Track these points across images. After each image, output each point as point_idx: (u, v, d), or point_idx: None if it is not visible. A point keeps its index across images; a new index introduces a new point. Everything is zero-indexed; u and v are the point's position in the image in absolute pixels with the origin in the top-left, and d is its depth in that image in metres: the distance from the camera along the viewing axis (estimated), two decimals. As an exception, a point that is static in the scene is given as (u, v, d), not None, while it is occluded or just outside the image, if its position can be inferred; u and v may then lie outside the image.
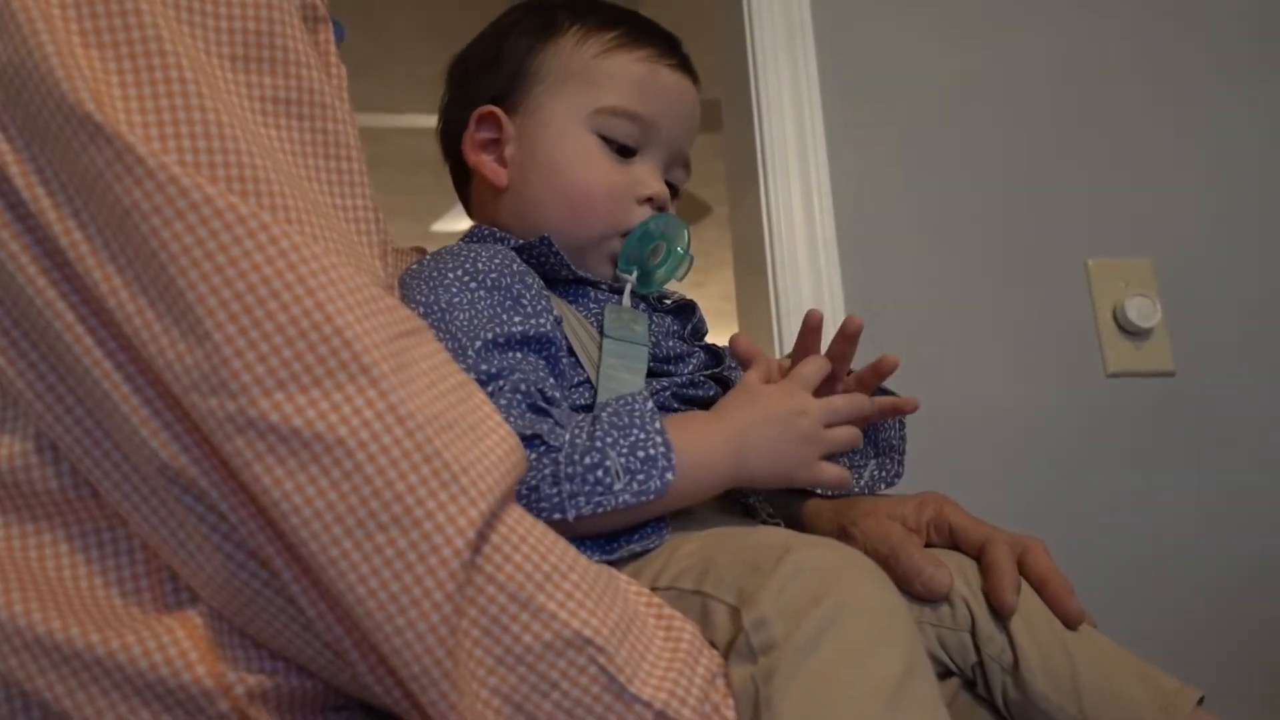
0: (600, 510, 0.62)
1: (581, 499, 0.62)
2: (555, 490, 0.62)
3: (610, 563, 0.65)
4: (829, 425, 0.71)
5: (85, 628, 0.48)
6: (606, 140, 0.80)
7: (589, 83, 0.80)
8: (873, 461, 0.82)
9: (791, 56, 1.43)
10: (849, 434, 0.73)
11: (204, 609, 0.49)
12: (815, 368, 0.73)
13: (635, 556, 0.66)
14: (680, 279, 0.82)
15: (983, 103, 1.45)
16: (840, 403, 0.72)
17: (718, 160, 1.60)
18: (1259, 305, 1.44)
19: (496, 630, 0.48)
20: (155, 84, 0.48)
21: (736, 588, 0.56)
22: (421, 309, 0.69)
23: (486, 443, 0.51)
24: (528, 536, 0.51)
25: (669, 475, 0.64)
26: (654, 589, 0.60)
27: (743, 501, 0.75)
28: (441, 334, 0.68)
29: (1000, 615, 0.69)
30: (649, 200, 0.80)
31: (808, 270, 1.35)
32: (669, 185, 0.84)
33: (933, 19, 1.47)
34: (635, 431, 0.65)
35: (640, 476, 0.63)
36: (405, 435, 0.47)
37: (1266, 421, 1.40)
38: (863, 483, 0.82)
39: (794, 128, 1.41)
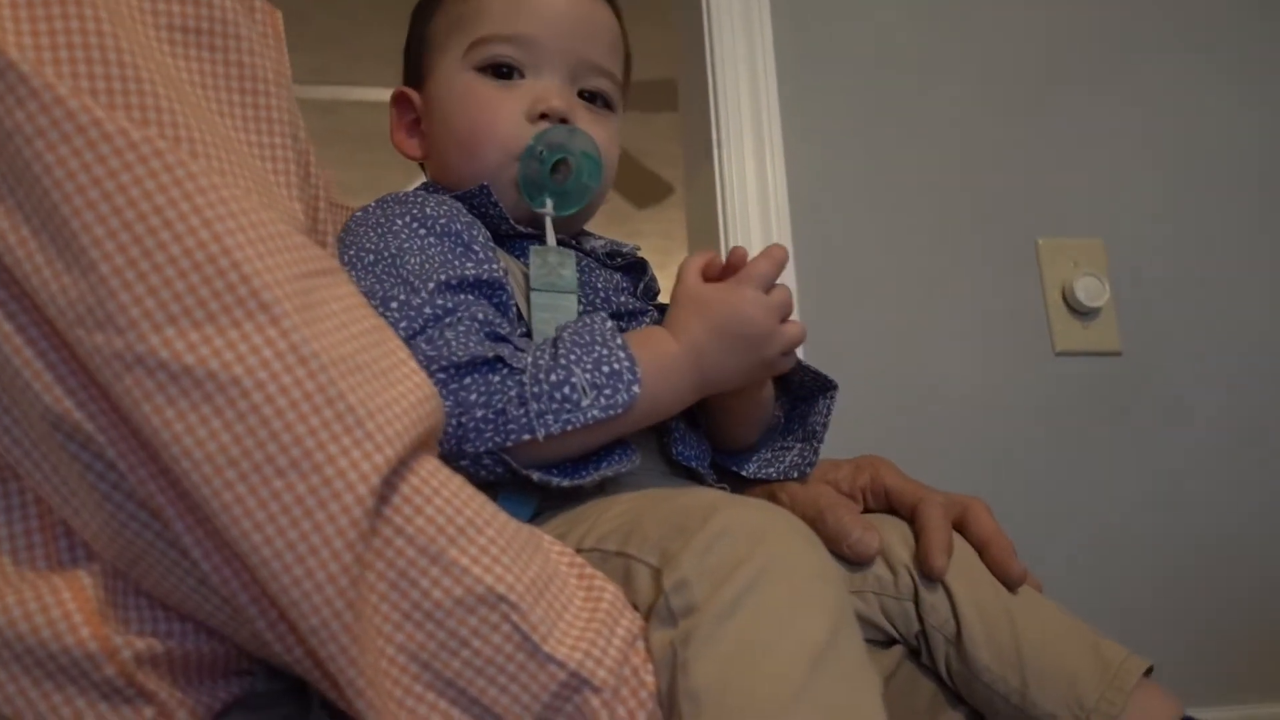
0: (570, 427, 0.61)
1: (550, 417, 0.61)
2: (522, 411, 0.61)
3: (580, 488, 0.65)
4: (782, 320, 0.70)
5: None
6: (484, 70, 0.78)
7: (464, 26, 0.79)
8: (798, 446, 0.80)
9: (748, 36, 1.43)
10: (799, 328, 0.71)
11: (97, 567, 0.46)
12: (771, 265, 0.69)
13: (604, 482, 0.66)
14: (598, 186, 0.78)
15: (937, 83, 1.45)
16: (785, 294, 0.70)
17: (679, 141, 1.60)
18: (1206, 287, 1.46)
19: (405, 585, 0.46)
20: (49, 4, 0.45)
21: (660, 549, 0.55)
22: (371, 255, 0.68)
23: (398, 388, 0.48)
24: (441, 489, 0.48)
25: (635, 388, 0.63)
26: (580, 550, 0.58)
27: (686, 466, 0.74)
28: (393, 278, 0.66)
29: (929, 577, 0.69)
30: (545, 117, 0.77)
31: (761, 248, 1.36)
32: (591, 94, 0.80)
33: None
34: (598, 348, 0.64)
35: (607, 391, 0.62)
36: (307, 376, 0.44)
37: (1209, 401, 1.42)
38: (783, 467, 0.80)
39: (749, 107, 1.41)
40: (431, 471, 0.49)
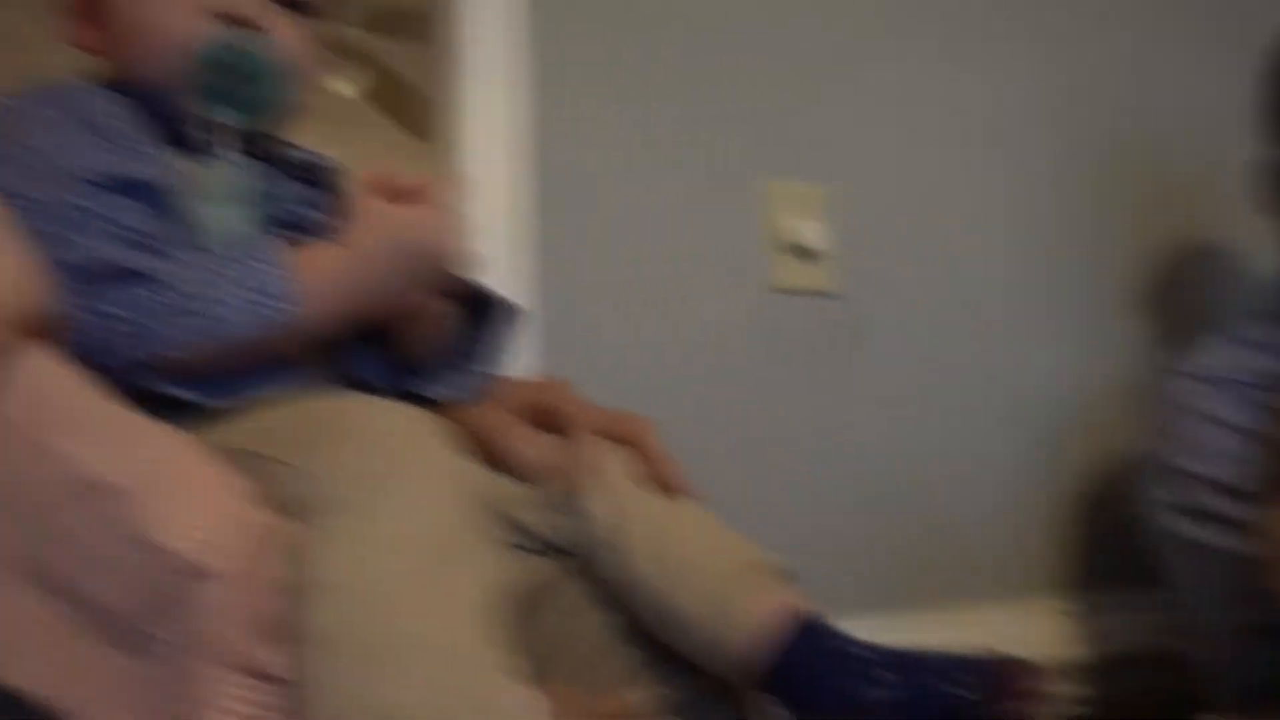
0: (214, 343, 0.60)
1: (194, 333, 0.60)
2: (162, 325, 0.60)
3: (229, 408, 0.63)
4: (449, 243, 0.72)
5: None
6: None
7: None
8: (476, 369, 0.82)
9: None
10: (465, 250, 0.74)
11: None
12: (446, 189, 0.72)
13: (257, 402, 0.64)
14: (283, 95, 0.75)
15: (685, 25, 1.48)
16: (456, 217, 0.72)
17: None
18: (921, 236, 1.57)
19: (7, 476, 0.44)
20: None
21: (299, 449, 0.56)
22: (11, 146, 0.64)
23: None
24: (49, 380, 0.47)
25: (288, 305, 0.62)
26: (221, 450, 0.57)
27: (363, 385, 0.75)
28: (32, 172, 0.62)
29: (570, 491, 0.73)
30: (230, 20, 0.73)
31: (504, 186, 1.36)
32: (297, 4, 0.77)
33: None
34: (253, 263, 0.63)
35: (257, 307, 0.62)
36: None
37: (914, 342, 1.53)
38: (460, 389, 0.81)
39: (497, 38, 1.40)
40: (39, 362, 0.47)
